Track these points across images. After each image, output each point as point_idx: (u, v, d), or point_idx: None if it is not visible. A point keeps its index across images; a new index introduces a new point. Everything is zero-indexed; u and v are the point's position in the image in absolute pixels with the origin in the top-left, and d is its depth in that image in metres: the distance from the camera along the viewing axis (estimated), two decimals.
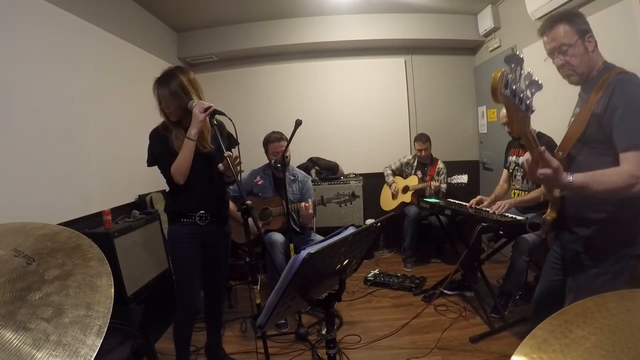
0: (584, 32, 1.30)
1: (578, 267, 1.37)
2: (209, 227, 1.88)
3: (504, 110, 2.69)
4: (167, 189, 1.94)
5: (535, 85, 1.01)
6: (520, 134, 1.03)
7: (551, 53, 1.36)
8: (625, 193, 1.14)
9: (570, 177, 1.11)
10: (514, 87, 0.92)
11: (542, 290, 1.59)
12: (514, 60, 0.93)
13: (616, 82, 1.23)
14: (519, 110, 0.97)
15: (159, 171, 1.86)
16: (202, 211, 1.85)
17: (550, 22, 1.34)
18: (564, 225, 1.42)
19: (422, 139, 3.72)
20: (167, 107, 1.77)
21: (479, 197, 2.68)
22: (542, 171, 1.06)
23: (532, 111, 1.00)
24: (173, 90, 1.73)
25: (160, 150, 1.79)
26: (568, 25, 1.30)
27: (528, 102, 0.98)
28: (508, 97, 0.92)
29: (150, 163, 1.87)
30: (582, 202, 1.32)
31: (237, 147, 1.92)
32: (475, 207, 2.64)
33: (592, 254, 1.33)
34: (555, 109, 2.78)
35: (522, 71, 0.96)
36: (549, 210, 1.45)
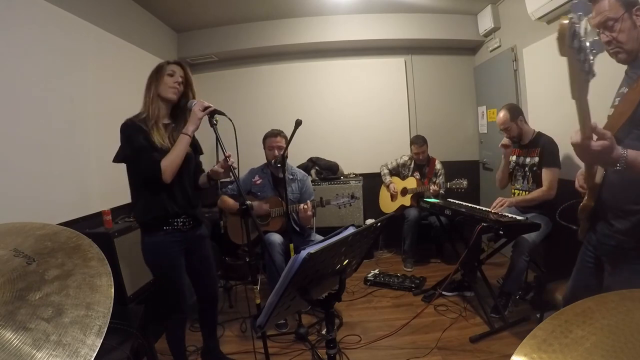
0: (633, 4, 1.19)
1: (616, 263, 1.27)
2: (190, 232, 1.81)
3: (500, 116, 2.70)
4: None
5: (598, 46, 0.85)
6: (577, 100, 0.90)
7: (597, 28, 1.25)
8: None
9: (624, 151, 1.01)
10: (581, 42, 0.79)
11: (574, 289, 1.48)
12: (582, 7, 0.78)
13: None
14: (581, 70, 0.83)
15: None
16: (184, 215, 1.77)
17: None
18: (600, 216, 1.33)
19: (419, 142, 3.69)
20: (176, 80, 1.72)
21: (499, 199, 2.62)
22: (599, 143, 0.95)
23: (593, 75, 0.85)
24: (189, 77, 1.75)
25: (143, 143, 1.63)
26: None
27: (591, 63, 0.83)
28: (575, 50, 0.79)
29: (122, 158, 1.70)
30: (623, 191, 1.22)
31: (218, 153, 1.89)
32: (475, 206, 2.65)
33: (631, 252, 1.23)
34: (560, 108, 2.76)
35: (587, 27, 0.82)
36: (586, 199, 1.35)
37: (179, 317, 1.87)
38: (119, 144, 1.70)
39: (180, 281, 1.81)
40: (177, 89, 1.72)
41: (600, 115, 1.27)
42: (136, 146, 1.63)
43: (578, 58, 0.80)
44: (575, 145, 0.99)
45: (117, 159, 1.72)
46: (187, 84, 1.76)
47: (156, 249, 1.74)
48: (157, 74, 1.72)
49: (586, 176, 1.33)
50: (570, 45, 0.78)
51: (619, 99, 1.29)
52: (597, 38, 0.89)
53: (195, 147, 1.89)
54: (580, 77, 0.84)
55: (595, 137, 0.95)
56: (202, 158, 2.00)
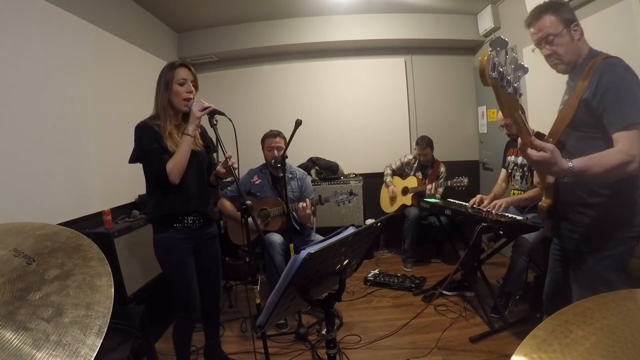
0: (570, 21, 1.33)
1: (578, 255, 1.38)
2: (200, 230, 1.83)
3: (500, 113, 2.69)
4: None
5: (522, 69, 1.02)
6: (510, 117, 1.02)
7: (538, 43, 1.39)
8: (622, 173, 1.16)
9: (570, 163, 1.10)
10: (501, 70, 0.93)
11: (549, 283, 1.60)
12: (499, 43, 0.94)
13: (604, 67, 1.25)
14: (506, 94, 0.97)
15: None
16: (195, 213, 1.80)
17: (536, 13, 1.38)
18: (559, 212, 1.44)
19: (422, 144, 3.67)
20: (189, 90, 1.72)
21: (479, 196, 2.68)
22: (539, 154, 1.05)
23: (520, 94, 1.01)
24: (195, 78, 1.75)
25: (154, 145, 1.67)
26: (553, 16, 1.33)
27: (515, 85, 0.99)
28: (496, 80, 0.93)
29: (136, 159, 1.73)
30: (577, 187, 1.34)
31: (216, 153, 1.91)
32: (476, 208, 2.64)
33: (590, 240, 1.34)
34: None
35: (507, 55, 0.97)
36: (543, 198, 1.47)
37: (190, 317, 1.86)
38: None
39: (191, 280, 1.82)
40: (189, 100, 1.73)
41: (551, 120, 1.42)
42: (146, 149, 1.68)
43: (501, 84, 0.94)
44: (519, 150, 1.10)
45: (132, 159, 1.76)
46: (195, 84, 1.77)
47: (166, 245, 1.77)
48: (167, 82, 1.71)
49: (539, 178, 1.49)
50: (490, 75, 0.91)
51: (561, 106, 1.43)
52: (521, 62, 1.02)
53: (207, 146, 1.90)
54: (507, 98, 0.98)
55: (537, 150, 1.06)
56: None
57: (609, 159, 1.15)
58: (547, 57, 1.39)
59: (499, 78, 0.94)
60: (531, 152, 1.06)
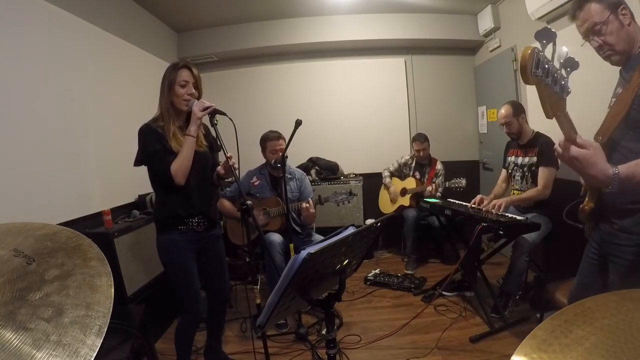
0: (616, 5, 1.20)
1: (620, 261, 1.28)
2: (205, 232, 1.83)
3: (502, 111, 2.69)
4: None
5: (572, 63, 0.89)
6: (554, 117, 0.90)
7: (586, 36, 1.27)
8: None
9: (615, 169, 0.95)
10: (546, 66, 0.81)
11: (580, 286, 1.49)
12: (546, 35, 0.82)
13: None
14: (552, 92, 0.85)
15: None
16: (200, 215, 1.79)
17: (579, 2, 1.25)
18: (602, 215, 1.32)
19: (421, 138, 3.69)
20: (190, 92, 1.72)
21: (479, 196, 2.68)
22: (578, 150, 0.91)
23: (568, 92, 0.88)
24: (198, 78, 1.75)
25: (158, 147, 1.67)
26: (597, 3, 1.21)
27: (563, 83, 0.86)
28: (540, 78, 0.81)
29: (141, 161, 1.74)
30: (622, 192, 1.18)
31: (218, 153, 1.90)
32: (476, 207, 2.64)
33: (635, 247, 1.23)
34: (590, 94, 2.66)
35: (555, 47, 0.85)
36: (586, 200, 1.35)
37: (193, 318, 1.87)
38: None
39: (194, 281, 1.82)
40: (189, 101, 1.73)
41: (599, 118, 1.30)
42: (150, 151, 1.68)
43: (546, 82, 0.82)
44: (556, 150, 0.97)
45: (136, 162, 1.76)
46: (196, 85, 1.76)
47: (170, 247, 1.76)
48: (170, 83, 1.72)
49: (585, 178, 1.30)
50: (534, 73, 0.80)
51: (614, 99, 1.29)
52: (571, 56, 0.89)
53: (211, 146, 1.90)
54: (553, 98, 0.86)
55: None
56: None
57: None
58: (598, 49, 1.26)
59: (544, 75, 0.81)
60: (573, 148, 0.92)
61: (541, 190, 2.52)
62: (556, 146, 0.97)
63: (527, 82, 0.82)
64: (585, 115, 1.33)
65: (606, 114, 1.28)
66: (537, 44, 0.85)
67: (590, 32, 1.24)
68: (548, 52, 0.84)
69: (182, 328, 1.91)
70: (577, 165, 0.94)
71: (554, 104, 0.88)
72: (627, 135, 1.20)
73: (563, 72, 0.88)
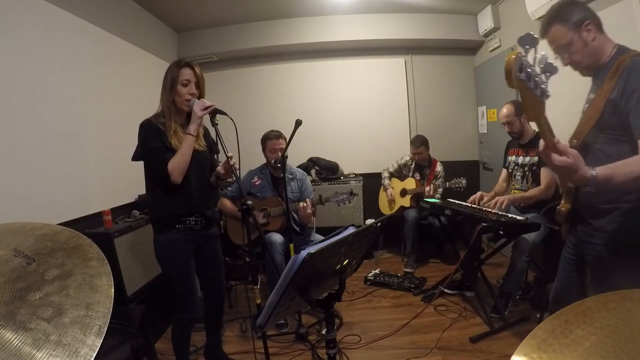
0: (579, 23, 1.25)
1: (598, 260, 1.32)
2: (202, 231, 1.83)
3: (504, 110, 2.69)
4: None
5: (551, 68, 0.95)
6: (535, 120, 0.97)
7: (556, 54, 1.34)
8: None
9: (593, 171, 1.02)
10: (529, 70, 0.87)
11: (559, 286, 1.54)
12: (528, 41, 0.87)
13: (632, 65, 1.18)
14: (534, 96, 0.90)
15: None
16: (197, 214, 1.78)
17: (544, 25, 1.33)
18: (578, 216, 1.37)
19: (416, 142, 3.67)
20: (191, 92, 1.72)
21: (479, 193, 2.68)
22: (562, 159, 0.98)
23: (548, 96, 0.94)
24: (200, 78, 1.75)
25: (158, 144, 1.66)
26: (559, 25, 1.28)
27: (543, 87, 0.92)
28: (523, 81, 0.86)
29: (139, 157, 1.71)
30: (597, 192, 1.24)
31: (217, 155, 1.90)
32: (476, 206, 2.64)
33: (609, 245, 1.28)
34: (559, 108, 2.74)
35: (537, 54, 0.90)
36: (562, 201, 1.41)
37: (188, 316, 1.87)
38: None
39: (191, 280, 1.82)
40: (190, 101, 1.73)
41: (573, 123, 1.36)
42: (150, 147, 1.66)
43: (529, 86, 0.88)
44: (541, 154, 1.03)
45: (135, 157, 1.74)
46: (197, 84, 1.76)
47: (167, 247, 1.75)
48: (172, 81, 1.71)
49: (560, 182, 1.40)
50: (518, 77, 0.85)
51: (587, 105, 1.35)
52: (550, 61, 0.94)
53: (210, 147, 1.91)
54: (534, 100, 0.92)
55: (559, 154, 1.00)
56: None
57: (635, 167, 1.07)
58: (569, 65, 1.33)
59: (527, 79, 0.87)
60: (555, 156, 0.99)
61: (544, 190, 2.52)
62: (540, 151, 1.03)
63: (511, 85, 0.87)
64: (559, 120, 1.39)
65: (580, 118, 1.34)
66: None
67: (558, 52, 1.32)
68: (531, 57, 0.89)
69: (177, 327, 1.91)
70: (560, 171, 1.04)
71: (535, 107, 0.94)
72: (599, 138, 1.27)
73: (543, 76, 0.93)
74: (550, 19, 1.30)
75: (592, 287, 1.36)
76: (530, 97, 0.91)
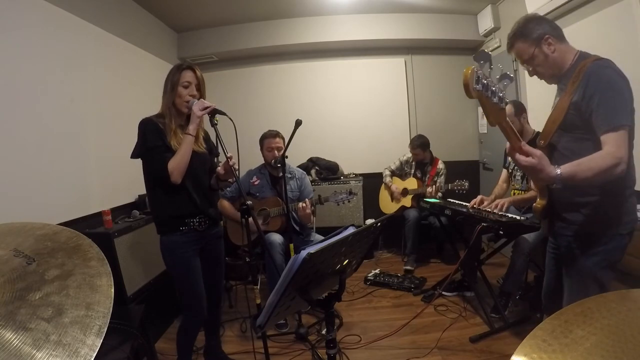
0: (539, 38, 1.36)
1: (570, 252, 1.42)
2: (207, 231, 1.83)
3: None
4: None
5: (507, 78, 1.08)
6: (497, 125, 1.08)
7: (522, 65, 1.49)
8: (611, 175, 1.17)
9: (558, 170, 1.13)
10: (485, 82, 0.98)
11: (546, 281, 1.63)
12: (482, 57, 1.01)
13: (592, 69, 1.27)
14: (492, 103, 1.02)
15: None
16: (201, 215, 1.79)
17: (509, 42, 1.45)
18: (554, 211, 1.47)
19: (414, 143, 3.67)
20: (192, 93, 1.73)
21: (479, 197, 2.68)
22: (527, 159, 1.10)
23: (506, 103, 1.07)
24: (200, 80, 1.76)
25: (157, 142, 1.66)
26: (521, 42, 1.40)
27: (501, 95, 1.04)
28: (480, 92, 0.97)
29: (138, 155, 1.70)
30: (569, 188, 1.34)
31: (217, 157, 1.91)
32: (476, 208, 2.64)
33: (581, 237, 1.38)
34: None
35: (492, 66, 1.03)
36: (538, 199, 1.50)
37: (196, 318, 1.86)
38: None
39: (198, 282, 1.81)
40: (190, 102, 1.73)
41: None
42: (150, 146, 1.66)
43: (486, 95, 1.00)
44: (507, 155, 1.15)
45: (134, 154, 1.73)
46: (198, 87, 1.77)
47: (173, 248, 1.76)
48: (173, 83, 1.72)
49: (532, 180, 1.53)
50: (475, 88, 0.96)
51: (553, 108, 1.45)
52: (505, 72, 1.08)
53: (210, 149, 1.91)
54: (493, 108, 1.04)
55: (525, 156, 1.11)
56: None
57: (597, 162, 1.17)
58: (534, 75, 1.46)
59: (484, 89, 0.98)
60: (519, 157, 1.10)
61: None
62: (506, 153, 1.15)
63: (470, 96, 0.98)
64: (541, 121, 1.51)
65: (546, 121, 1.45)
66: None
67: (523, 65, 1.46)
68: (486, 70, 1.02)
69: (185, 328, 1.90)
70: (527, 171, 1.17)
71: (495, 113, 1.06)
72: (564, 138, 1.38)
73: (501, 85, 1.06)
74: (514, 37, 1.42)
75: (567, 280, 1.45)
76: (489, 105, 1.03)
